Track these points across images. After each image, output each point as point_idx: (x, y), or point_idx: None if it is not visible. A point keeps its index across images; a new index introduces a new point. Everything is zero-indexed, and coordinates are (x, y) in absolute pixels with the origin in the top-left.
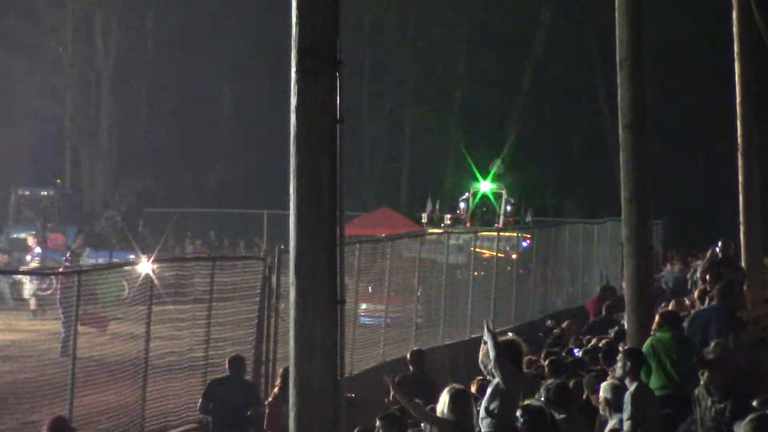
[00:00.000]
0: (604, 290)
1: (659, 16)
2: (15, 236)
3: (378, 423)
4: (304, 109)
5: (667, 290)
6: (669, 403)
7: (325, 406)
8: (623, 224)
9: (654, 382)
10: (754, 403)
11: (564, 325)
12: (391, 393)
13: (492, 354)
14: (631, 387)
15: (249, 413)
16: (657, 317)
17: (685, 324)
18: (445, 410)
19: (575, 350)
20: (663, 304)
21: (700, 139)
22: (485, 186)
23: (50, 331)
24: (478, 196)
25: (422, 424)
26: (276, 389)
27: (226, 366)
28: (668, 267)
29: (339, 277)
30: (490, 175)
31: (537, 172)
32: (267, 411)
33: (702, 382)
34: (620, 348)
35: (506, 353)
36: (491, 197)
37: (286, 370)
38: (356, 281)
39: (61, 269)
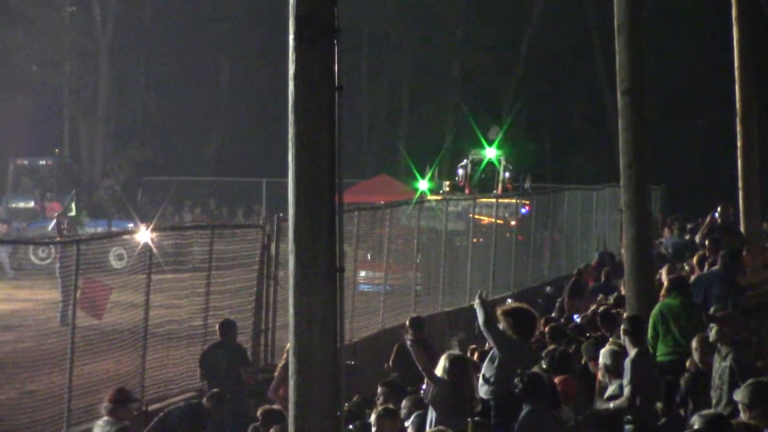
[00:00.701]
0: (602, 256)
1: None
2: (14, 205)
3: (379, 390)
4: (303, 77)
5: (668, 256)
6: (675, 369)
7: (324, 374)
8: (622, 190)
9: (661, 348)
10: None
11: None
12: (391, 359)
13: (480, 320)
14: (632, 353)
15: (240, 375)
16: (666, 282)
17: None
18: (443, 375)
19: (575, 316)
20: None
21: (699, 104)
22: (491, 152)
23: (49, 300)
24: (484, 162)
25: (422, 389)
26: (282, 361)
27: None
28: (667, 233)
29: (338, 244)
30: (496, 142)
31: (536, 138)
32: (274, 381)
33: (711, 338)
34: (619, 313)
35: (513, 321)
36: (496, 164)
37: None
38: (355, 249)
39: (57, 238)
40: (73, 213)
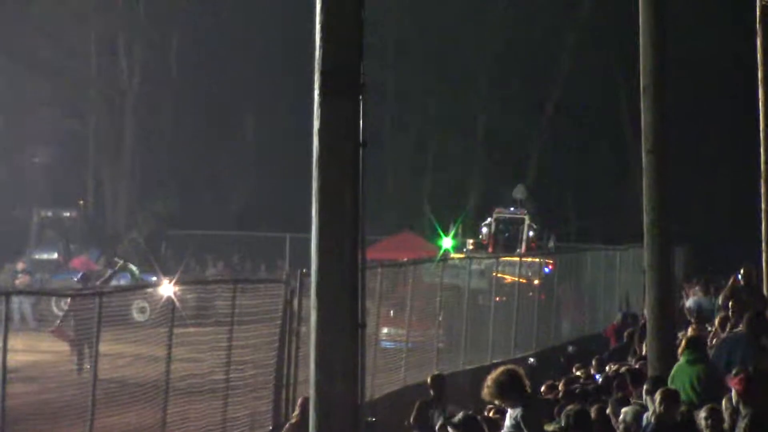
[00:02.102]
0: (625, 316)
1: (683, 39)
2: (37, 257)
3: None
4: (327, 132)
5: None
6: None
7: (345, 430)
8: (645, 251)
9: None
10: None
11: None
12: (412, 417)
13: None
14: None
15: None
16: (683, 342)
17: (711, 350)
18: None
19: (597, 376)
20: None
21: (725, 165)
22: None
23: (72, 352)
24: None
25: None
26: (294, 420)
27: None
28: (692, 293)
29: (360, 301)
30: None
31: (560, 196)
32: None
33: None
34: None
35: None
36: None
37: (305, 401)
38: (378, 305)
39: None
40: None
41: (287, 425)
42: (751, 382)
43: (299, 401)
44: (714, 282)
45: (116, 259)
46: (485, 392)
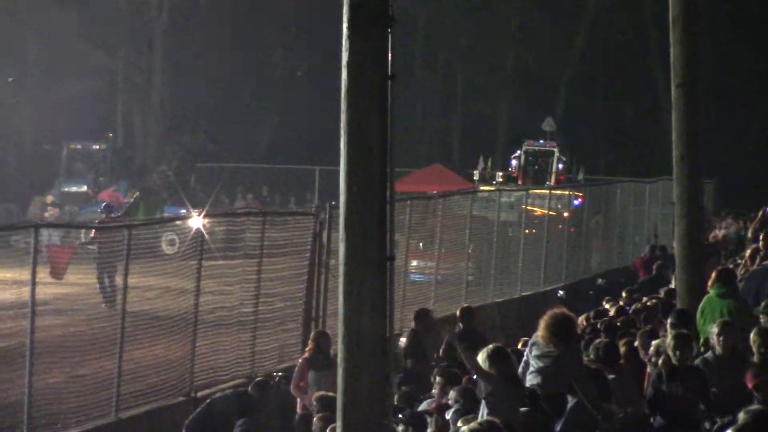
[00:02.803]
0: (653, 249)
1: None
2: (66, 190)
3: (437, 380)
4: (356, 66)
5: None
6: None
7: (374, 364)
8: (674, 183)
9: (702, 340)
10: None
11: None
12: (441, 349)
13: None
14: None
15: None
16: (713, 274)
17: (741, 283)
18: (487, 368)
19: (626, 308)
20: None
21: (754, 99)
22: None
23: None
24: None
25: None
26: (307, 353)
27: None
28: (721, 228)
29: (389, 233)
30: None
31: (589, 130)
32: (295, 374)
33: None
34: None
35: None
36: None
37: (318, 334)
38: (407, 238)
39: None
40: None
41: (300, 359)
42: None
43: (312, 335)
44: (742, 215)
45: (134, 191)
46: (541, 334)
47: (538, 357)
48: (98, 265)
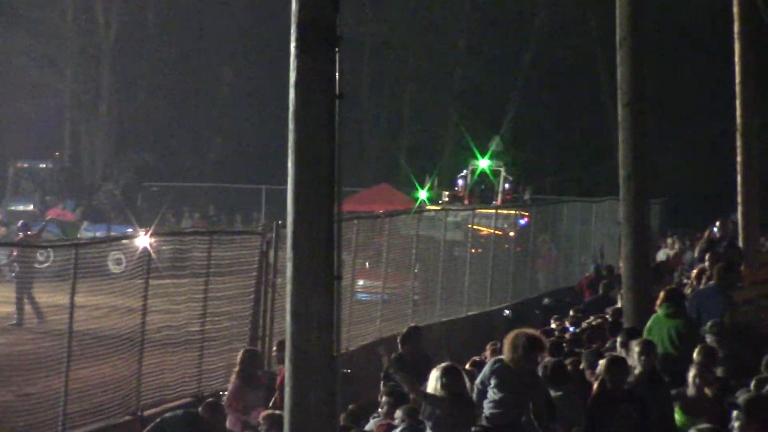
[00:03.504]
0: (598, 268)
1: None
2: (13, 208)
3: (383, 399)
4: (303, 85)
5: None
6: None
7: (321, 382)
8: (621, 203)
9: None
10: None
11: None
12: (385, 368)
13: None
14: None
15: None
16: (661, 293)
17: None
18: (438, 387)
19: (570, 328)
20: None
21: (701, 119)
22: (484, 163)
23: (47, 303)
24: (477, 172)
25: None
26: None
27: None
28: (666, 248)
29: (336, 252)
30: (489, 153)
31: (536, 150)
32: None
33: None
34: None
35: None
36: (489, 174)
37: (245, 353)
38: (354, 257)
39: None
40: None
41: (232, 378)
42: None
43: (240, 353)
44: (688, 235)
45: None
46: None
47: (499, 386)
48: (17, 284)
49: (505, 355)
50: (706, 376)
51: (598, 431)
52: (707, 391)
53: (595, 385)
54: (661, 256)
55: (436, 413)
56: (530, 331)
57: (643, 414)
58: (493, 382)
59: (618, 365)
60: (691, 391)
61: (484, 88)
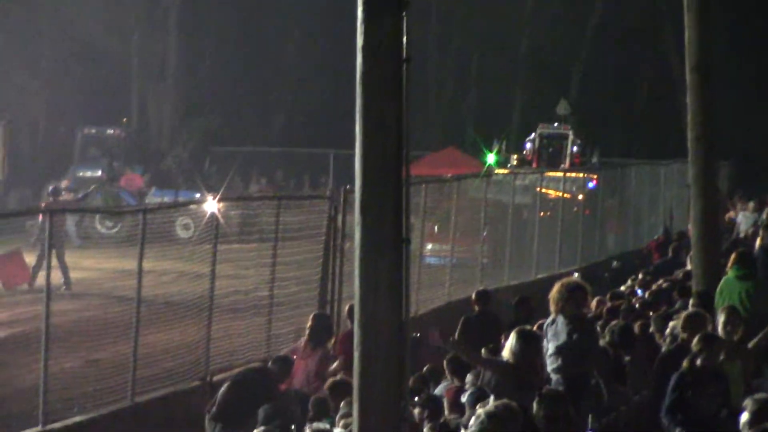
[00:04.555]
0: (667, 231)
1: None
2: (81, 175)
3: (445, 365)
4: (371, 50)
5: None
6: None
7: (390, 346)
8: (690, 165)
9: None
10: None
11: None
12: (458, 331)
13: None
14: None
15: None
16: (732, 256)
17: None
18: (513, 351)
19: (639, 291)
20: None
21: None
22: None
23: (114, 269)
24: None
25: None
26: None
27: None
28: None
29: (404, 216)
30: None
31: (604, 112)
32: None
33: None
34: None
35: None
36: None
37: (315, 317)
38: (422, 221)
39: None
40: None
41: (298, 343)
42: None
43: (310, 317)
44: (756, 197)
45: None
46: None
47: (555, 336)
48: (56, 250)
49: (552, 311)
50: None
51: (686, 413)
52: None
53: (684, 365)
54: (740, 219)
55: (502, 382)
56: (574, 279)
57: (728, 393)
58: (548, 334)
59: (714, 343)
60: None
61: (551, 51)
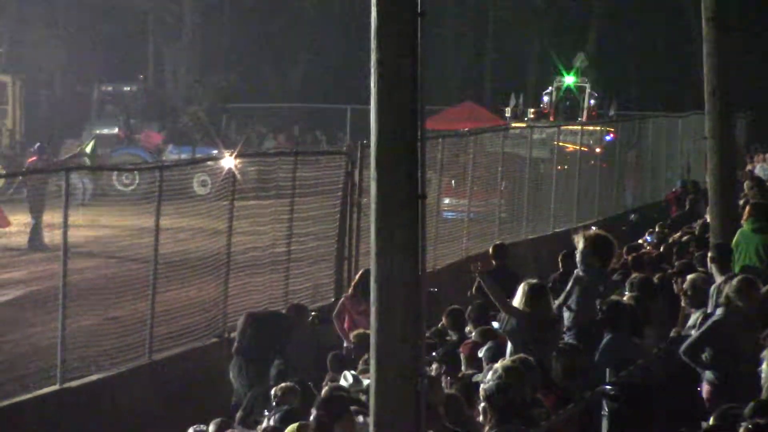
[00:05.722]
0: (685, 184)
1: None
2: (98, 131)
3: (444, 320)
4: (386, 3)
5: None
6: None
7: (407, 301)
8: (706, 117)
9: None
10: None
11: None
12: (474, 286)
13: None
14: (718, 280)
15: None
16: (747, 208)
17: None
18: (522, 304)
19: (648, 238)
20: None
21: None
22: (569, 79)
23: (132, 226)
24: (563, 88)
25: (500, 316)
26: (350, 291)
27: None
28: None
29: (420, 171)
30: (574, 69)
31: (621, 65)
32: (337, 308)
33: None
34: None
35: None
36: (574, 90)
37: (366, 272)
38: (439, 176)
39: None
40: (88, 154)
41: (343, 297)
42: None
43: (359, 273)
44: None
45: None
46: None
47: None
48: (31, 207)
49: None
50: None
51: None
52: None
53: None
54: (758, 170)
55: (519, 328)
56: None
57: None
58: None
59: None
60: None
61: (567, 3)
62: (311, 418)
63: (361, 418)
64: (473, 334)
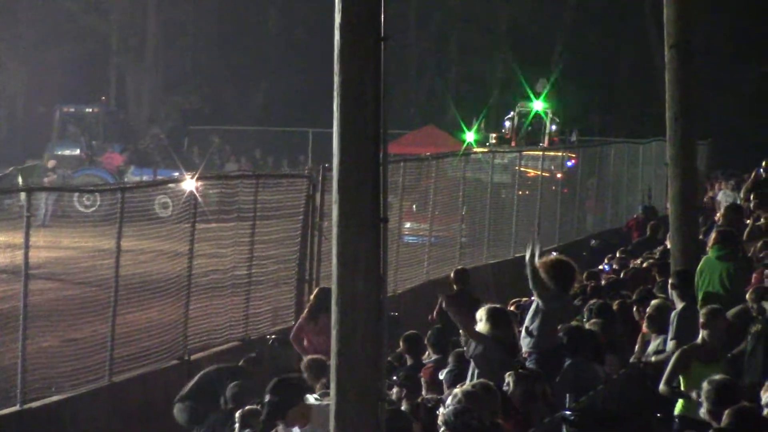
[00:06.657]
0: (646, 210)
1: None
2: (59, 153)
3: (401, 345)
4: (349, 27)
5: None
6: None
7: (368, 325)
8: (668, 144)
9: (700, 303)
10: None
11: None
12: (435, 311)
13: (528, 273)
14: (678, 307)
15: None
16: (713, 235)
17: None
18: (484, 328)
19: (606, 267)
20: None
21: (749, 59)
22: (538, 105)
23: (93, 248)
24: (531, 114)
25: (463, 341)
26: (306, 310)
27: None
28: (718, 187)
29: (383, 195)
30: (543, 95)
31: (583, 91)
32: (295, 328)
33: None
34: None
35: (553, 273)
36: (544, 116)
37: (320, 291)
38: (400, 200)
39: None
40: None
41: (301, 319)
42: None
43: (314, 293)
44: (735, 177)
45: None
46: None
47: (536, 314)
48: None
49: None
50: None
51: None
52: None
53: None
54: (720, 197)
55: (482, 353)
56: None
57: None
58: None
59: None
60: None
61: (531, 28)
62: (264, 402)
63: (311, 398)
64: (432, 358)
